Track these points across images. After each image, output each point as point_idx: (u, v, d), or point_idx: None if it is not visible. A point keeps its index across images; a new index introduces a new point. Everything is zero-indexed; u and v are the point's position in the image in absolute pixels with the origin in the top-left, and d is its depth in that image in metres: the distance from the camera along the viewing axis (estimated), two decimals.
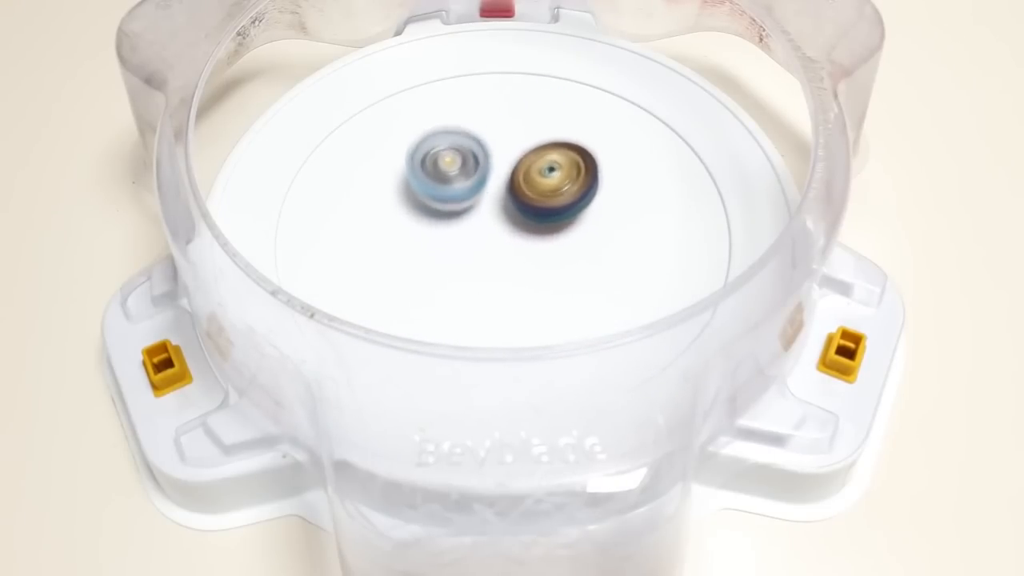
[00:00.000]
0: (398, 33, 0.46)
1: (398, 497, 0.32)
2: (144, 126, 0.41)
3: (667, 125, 0.43)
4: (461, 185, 0.40)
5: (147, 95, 0.40)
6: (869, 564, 0.37)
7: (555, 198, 0.40)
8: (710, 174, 0.42)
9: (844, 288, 0.39)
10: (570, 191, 0.40)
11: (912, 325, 0.40)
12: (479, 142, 0.41)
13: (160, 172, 0.37)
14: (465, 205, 0.41)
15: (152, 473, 0.38)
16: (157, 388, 0.38)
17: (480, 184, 0.40)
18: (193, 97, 0.38)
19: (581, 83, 0.45)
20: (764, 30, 0.42)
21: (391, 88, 0.45)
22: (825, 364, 0.38)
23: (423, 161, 0.40)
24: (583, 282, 0.40)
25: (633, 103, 0.44)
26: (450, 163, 0.40)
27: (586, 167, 0.40)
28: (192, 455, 0.36)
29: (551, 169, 0.40)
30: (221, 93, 0.46)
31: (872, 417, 0.37)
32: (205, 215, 0.35)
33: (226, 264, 0.34)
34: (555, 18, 0.46)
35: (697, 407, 0.33)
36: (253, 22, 0.43)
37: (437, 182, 0.40)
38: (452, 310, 0.39)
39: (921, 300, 0.41)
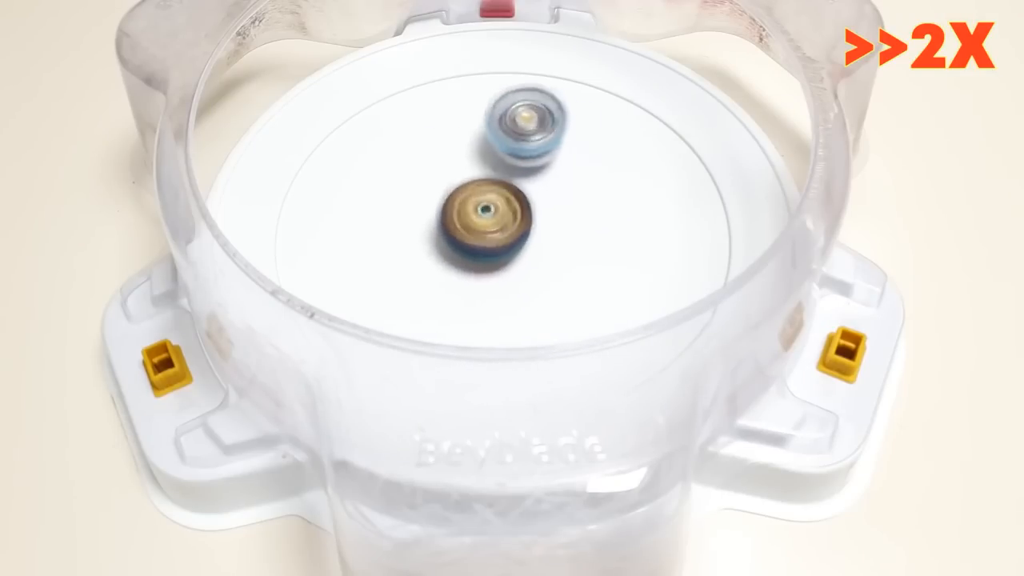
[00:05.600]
0: (398, 33, 0.46)
1: (398, 497, 0.32)
2: (144, 126, 0.41)
3: (667, 125, 0.43)
4: (538, 141, 0.41)
5: (147, 95, 0.40)
6: (869, 564, 0.37)
7: (489, 239, 0.39)
8: (710, 174, 0.42)
9: (844, 288, 0.39)
10: (504, 234, 0.40)
11: (912, 325, 0.40)
12: (555, 99, 0.42)
13: (160, 172, 0.37)
14: (542, 162, 0.42)
15: (152, 473, 0.38)
16: (157, 388, 0.38)
17: (557, 140, 0.41)
18: (193, 97, 0.38)
19: (581, 83, 0.45)
20: (764, 30, 0.42)
21: (391, 88, 0.45)
22: (825, 364, 0.38)
23: (501, 119, 0.41)
24: (583, 282, 0.40)
25: (633, 103, 0.44)
26: (527, 119, 0.41)
27: (521, 209, 0.40)
28: (192, 455, 0.36)
29: (486, 209, 0.40)
30: (221, 93, 0.46)
31: (872, 417, 0.37)
32: (205, 215, 0.35)
33: (226, 264, 0.34)
34: (555, 18, 0.46)
35: (697, 407, 0.33)
36: (253, 22, 0.43)
37: (515, 138, 0.41)
38: (452, 310, 0.39)
39: (921, 300, 0.41)
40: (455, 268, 0.40)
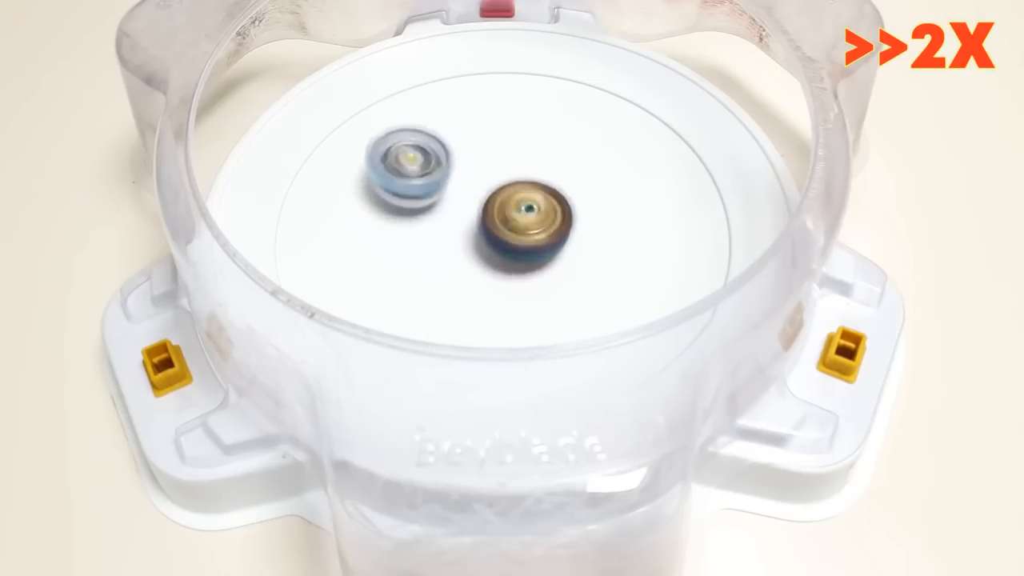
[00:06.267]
0: (398, 33, 0.46)
1: (398, 497, 0.32)
2: (144, 126, 0.41)
3: (667, 125, 0.43)
4: (421, 181, 0.40)
5: (147, 95, 0.40)
6: (869, 564, 0.37)
7: (530, 238, 0.39)
8: (710, 174, 0.42)
9: (844, 288, 0.39)
10: (546, 234, 0.39)
11: (912, 325, 0.40)
12: (440, 141, 0.41)
13: (160, 172, 0.37)
14: (424, 203, 0.41)
15: (152, 473, 0.38)
16: (157, 388, 0.38)
17: (439, 183, 0.41)
18: (193, 97, 0.38)
19: (581, 83, 0.45)
20: (764, 30, 0.42)
21: (391, 88, 0.45)
22: (825, 364, 0.38)
23: (384, 156, 0.41)
24: (583, 282, 0.40)
25: (633, 103, 0.44)
26: (412, 159, 0.41)
27: (562, 211, 0.40)
28: (192, 455, 0.36)
29: (529, 208, 0.40)
30: (221, 93, 0.46)
31: (872, 417, 0.37)
32: (205, 215, 0.35)
33: (226, 264, 0.34)
34: (555, 18, 0.46)
35: (697, 407, 0.33)
36: (253, 22, 0.43)
37: (396, 176, 0.40)
38: (452, 310, 0.39)
39: (921, 300, 0.41)
40: (455, 268, 0.40)
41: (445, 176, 0.41)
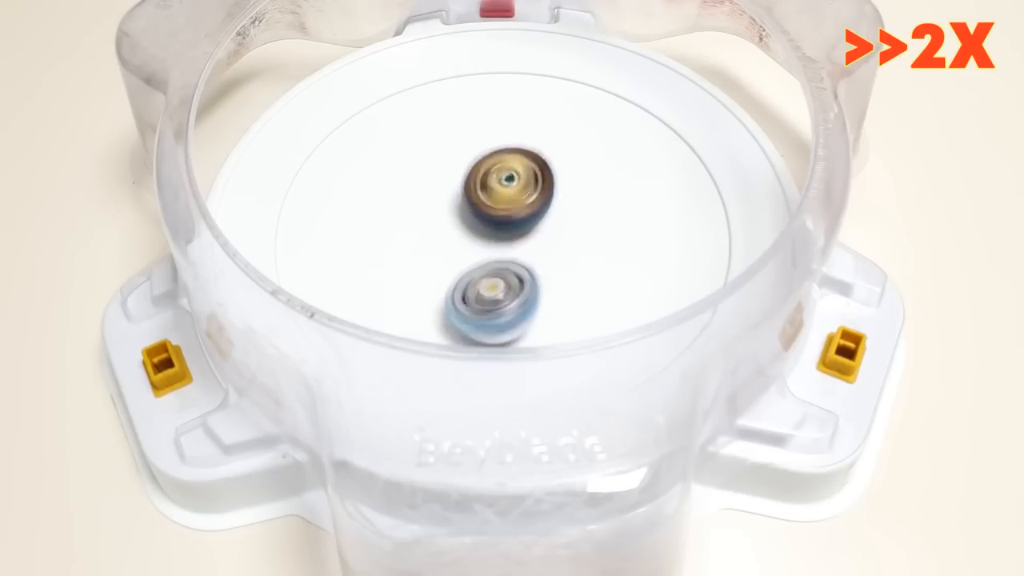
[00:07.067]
0: (398, 33, 0.46)
1: (398, 497, 0.32)
2: (144, 126, 0.41)
3: (667, 125, 0.43)
4: (509, 310, 0.37)
5: (147, 95, 0.40)
6: (869, 564, 0.37)
7: (514, 209, 0.39)
8: (710, 174, 0.42)
9: (844, 288, 0.39)
10: (530, 201, 0.39)
11: (912, 325, 0.40)
12: (522, 266, 0.38)
13: (160, 172, 0.37)
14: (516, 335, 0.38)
15: (152, 473, 0.38)
16: (157, 388, 0.38)
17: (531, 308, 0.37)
18: (193, 97, 0.38)
19: (581, 83, 0.45)
20: (764, 30, 0.42)
21: (391, 88, 0.45)
22: (825, 364, 0.38)
23: (464, 296, 0.38)
24: (583, 282, 0.40)
25: (633, 103, 0.44)
26: (492, 288, 0.37)
27: (543, 176, 0.40)
28: (192, 455, 0.36)
29: (510, 178, 0.40)
30: (221, 93, 0.46)
31: (872, 417, 0.37)
32: (205, 215, 0.35)
33: (226, 264, 0.34)
34: (555, 18, 0.46)
35: (697, 407, 0.33)
36: (253, 22, 0.43)
37: (482, 314, 0.37)
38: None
39: (921, 300, 0.41)
40: (455, 267, 0.40)
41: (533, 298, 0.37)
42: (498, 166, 0.40)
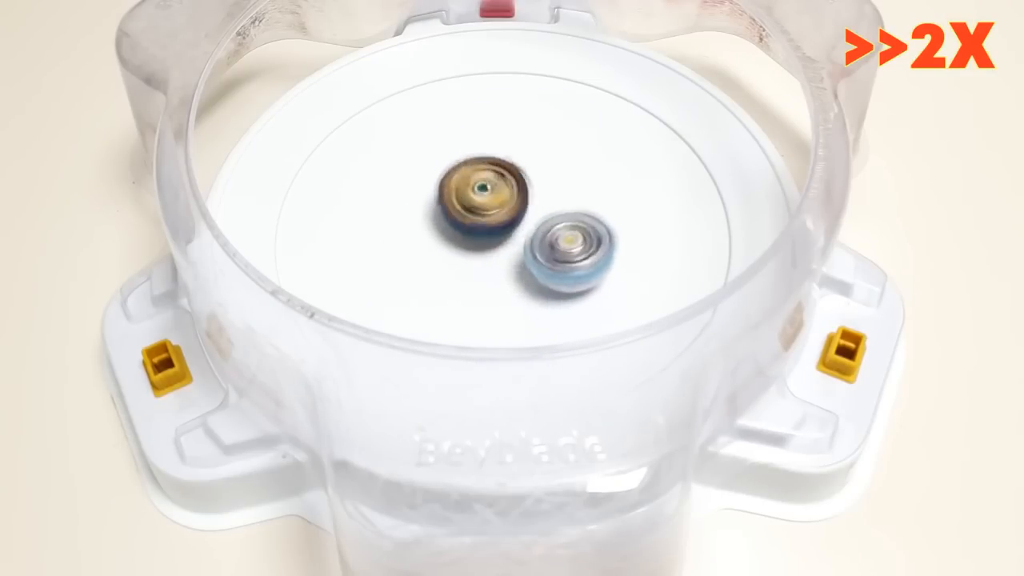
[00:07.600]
0: (398, 33, 0.46)
1: (398, 497, 0.32)
2: (144, 126, 0.41)
3: (667, 125, 0.43)
4: (584, 264, 0.38)
5: (147, 95, 0.40)
6: (869, 564, 0.37)
7: (488, 216, 0.39)
8: (710, 174, 0.42)
9: (844, 288, 0.39)
10: (503, 211, 0.40)
11: (912, 325, 0.40)
12: (599, 220, 0.39)
13: (160, 172, 0.37)
14: (589, 285, 0.39)
15: (152, 473, 0.38)
16: (157, 388, 0.38)
17: (606, 262, 0.38)
18: (193, 97, 0.38)
19: (581, 83, 0.45)
20: (764, 30, 0.42)
21: (391, 88, 0.45)
22: (825, 364, 0.38)
23: (541, 244, 0.39)
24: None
25: (633, 103, 0.44)
26: (570, 241, 0.38)
27: (518, 186, 0.40)
28: (192, 455, 0.36)
29: (483, 188, 0.40)
30: (221, 93, 0.46)
31: (872, 417, 0.37)
32: (205, 215, 0.35)
33: (226, 264, 0.34)
34: (555, 18, 0.46)
35: (697, 407, 0.33)
36: (253, 22, 0.43)
37: (557, 264, 0.38)
38: (452, 310, 0.39)
39: (921, 300, 0.41)
40: (455, 267, 0.40)
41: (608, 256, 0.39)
42: (475, 177, 0.40)
